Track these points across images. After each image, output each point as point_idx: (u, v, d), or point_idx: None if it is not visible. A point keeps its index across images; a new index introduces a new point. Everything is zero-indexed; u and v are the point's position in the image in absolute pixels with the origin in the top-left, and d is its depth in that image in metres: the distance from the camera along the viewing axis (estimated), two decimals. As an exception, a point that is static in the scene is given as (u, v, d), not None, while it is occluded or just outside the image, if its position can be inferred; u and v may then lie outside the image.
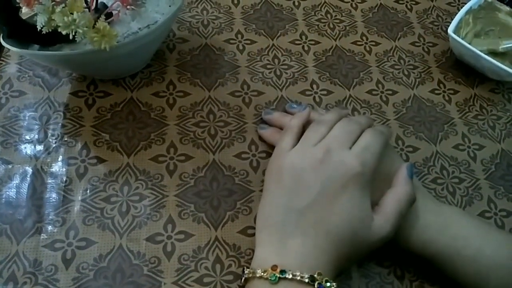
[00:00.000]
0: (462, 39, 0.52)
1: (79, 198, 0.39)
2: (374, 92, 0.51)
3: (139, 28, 0.41)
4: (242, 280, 0.34)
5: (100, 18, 0.35)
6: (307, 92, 0.50)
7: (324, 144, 0.37)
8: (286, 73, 0.51)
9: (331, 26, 0.57)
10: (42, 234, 0.37)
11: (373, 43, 0.56)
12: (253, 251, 0.36)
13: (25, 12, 0.40)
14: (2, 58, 0.47)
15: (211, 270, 0.37)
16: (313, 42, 0.54)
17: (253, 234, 0.38)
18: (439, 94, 0.53)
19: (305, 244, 0.33)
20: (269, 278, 0.31)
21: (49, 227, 0.38)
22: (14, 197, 0.39)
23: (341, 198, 0.34)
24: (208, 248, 0.38)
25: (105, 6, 0.42)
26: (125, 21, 0.42)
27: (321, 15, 0.58)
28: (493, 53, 0.53)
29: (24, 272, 0.35)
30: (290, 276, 0.31)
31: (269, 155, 0.44)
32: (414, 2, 0.62)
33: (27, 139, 0.42)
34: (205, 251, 0.38)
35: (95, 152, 0.42)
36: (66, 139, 0.42)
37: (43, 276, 0.35)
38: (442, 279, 0.39)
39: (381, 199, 0.37)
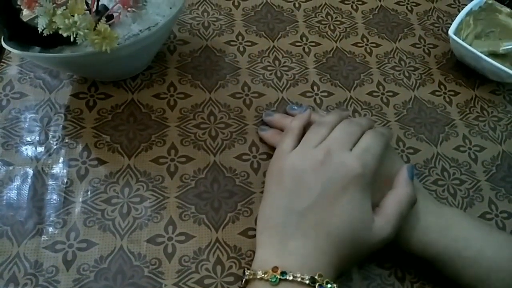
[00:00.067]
0: (463, 40, 0.52)
1: (80, 199, 0.39)
2: (374, 94, 0.51)
3: (140, 30, 0.41)
4: (243, 281, 0.34)
5: (101, 20, 0.35)
6: (308, 94, 0.50)
7: (324, 146, 0.37)
8: (287, 74, 0.51)
9: (332, 27, 0.57)
10: (43, 236, 0.37)
11: (374, 45, 0.56)
12: (254, 252, 0.36)
13: (26, 14, 0.40)
14: (3, 60, 0.47)
15: (211, 271, 0.37)
16: (313, 44, 0.54)
17: (254, 236, 0.38)
18: (439, 95, 0.53)
19: (306, 246, 0.33)
20: (270, 279, 0.31)
21: (50, 229, 0.38)
22: (15, 198, 0.39)
23: (342, 200, 0.34)
24: (208, 249, 0.38)
25: (106, 8, 0.42)
26: (126, 23, 0.42)
27: (321, 16, 0.58)
28: (494, 55, 0.53)
29: (25, 273, 0.35)
30: (291, 278, 0.31)
31: (269, 156, 0.44)
32: (414, 4, 0.62)
33: (28, 141, 0.42)
34: (205, 252, 0.38)
35: (96, 153, 0.42)
36: (67, 140, 0.42)
37: (44, 277, 0.35)
38: (443, 281, 0.39)
39: (382, 201, 0.37)
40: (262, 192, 0.41)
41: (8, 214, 0.38)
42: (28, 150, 0.41)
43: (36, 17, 0.35)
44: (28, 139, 0.42)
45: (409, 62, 0.55)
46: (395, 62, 0.55)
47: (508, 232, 0.44)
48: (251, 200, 0.41)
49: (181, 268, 0.37)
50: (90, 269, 0.36)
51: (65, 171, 0.41)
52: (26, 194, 0.39)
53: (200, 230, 0.39)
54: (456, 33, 0.53)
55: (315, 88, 0.50)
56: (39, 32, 0.35)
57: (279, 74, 0.51)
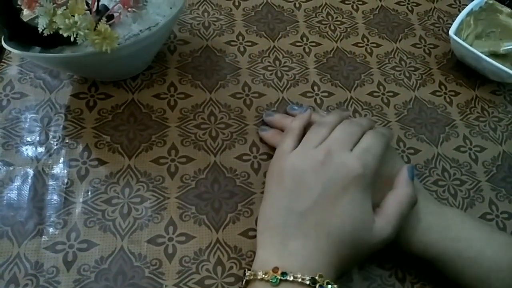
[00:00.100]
0: (463, 40, 0.52)
1: (80, 200, 0.39)
2: (375, 94, 0.51)
3: (140, 30, 0.41)
4: (243, 282, 0.34)
5: (101, 20, 0.35)
6: (308, 94, 0.50)
7: (325, 146, 0.37)
8: (287, 74, 0.51)
9: (332, 27, 0.57)
10: (43, 236, 0.37)
11: (374, 45, 0.56)
12: (254, 253, 0.36)
13: (26, 14, 0.40)
14: (3, 60, 0.47)
15: (212, 272, 0.37)
16: (314, 44, 0.54)
17: (254, 236, 0.38)
18: (440, 96, 0.53)
19: (306, 246, 0.33)
20: (270, 280, 0.31)
21: (50, 229, 0.38)
22: (15, 199, 0.39)
23: (342, 200, 0.34)
24: (209, 250, 0.38)
25: (106, 8, 0.42)
26: (126, 23, 0.42)
27: (322, 16, 0.58)
28: (494, 55, 0.53)
29: (26, 274, 0.35)
30: (291, 278, 0.31)
31: (270, 157, 0.44)
32: (415, 4, 0.62)
33: (28, 141, 0.42)
34: (206, 253, 0.38)
35: (96, 154, 0.42)
36: (67, 141, 0.42)
37: (45, 278, 0.35)
38: (443, 281, 0.39)
39: (382, 201, 0.37)
40: (262, 192, 0.41)
41: (8, 214, 0.38)
42: (29, 151, 0.41)
43: (37, 17, 0.35)
44: (29, 139, 0.42)
45: (410, 62, 0.55)
46: (395, 62, 0.55)
47: (508, 232, 0.44)
48: (251, 201, 0.41)
49: (182, 268, 0.37)
50: (91, 269, 0.36)
51: (65, 171, 0.41)
52: (27, 195, 0.39)
53: (201, 230, 0.39)
54: (457, 33, 0.53)
55: (315, 88, 0.50)
56: (40, 32, 0.35)
57: (279, 74, 0.51)
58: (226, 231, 0.40)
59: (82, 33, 0.34)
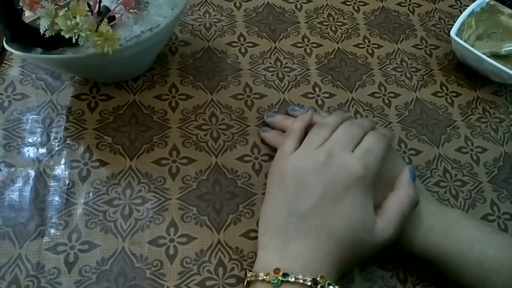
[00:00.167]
0: (465, 41, 0.52)
1: (82, 201, 0.39)
2: (376, 95, 0.51)
3: (142, 32, 0.41)
4: (245, 283, 0.34)
5: (103, 22, 0.35)
6: (310, 95, 0.50)
7: (326, 147, 0.37)
8: (289, 75, 0.51)
9: (333, 28, 0.57)
10: (44, 237, 0.37)
11: (375, 46, 0.56)
12: (256, 254, 0.36)
13: (28, 15, 0.40)
14: (5, 62, 0.47)
15: (213, 273, 0.37)
16: (315, 45, 0.54)
17: (256, 237, 0.38)
18: (441, 96, 0.53)
19: (308, 247, 0.33)
20: (272, 281, 0.31)
21: (52, 230, 0.38)
22: (17, 200, 0.39)
23: (344, 201, 0.34)
24: (210, 251, 0.38)
25: (107, 9, 0.42)
26: (128, 25, 0.42)
27: (323, 17, 0.58)
28: (496, 56, 0.53)
29: (27, 275, 0.35)
30: (293, 279, 0.31)
31: (271, 158, 0.44)
32: (416, 5, 0.62)
33: (30, 142, 0.42)
34: (207, 254, 0.38)
35: (97, 155, 0.42)
36: (68, 142, 0.42)
37: (46, 279, 0.35)
38: (445, 282, 0.39)
39: (384, 202, 0.37)
40: (263, 193, 0.41)
41: (10, 215, 0.38)
42: (30, 152, 0.41)
43: (38, 18, 0.35)
44: (30, 140, 0.42)
45: (411, 63, 0.55)
46: (396, 63, 0.55)
47: (510, 233, 0.44)
48: (252, 202, 0.41)
49: (183, 269, 0.37)
50: (92, 270, 0.36)
51: (67, 172, 0.41)
52: (28, 196, 0.39)
53: (202, 231, 0.39)
54: (458, 34, 0.53)
55: (316, 89, 0.50)
56: (41, 33, 0.35)
57: (280, 75, 0.51)
58: (228, 232, 0.40)
59: (83, 35, 0.34)
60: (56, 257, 0.36)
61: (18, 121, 0.43)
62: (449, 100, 0.53)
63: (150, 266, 0.37)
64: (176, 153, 0.43)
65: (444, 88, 0.54)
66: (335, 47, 0.55)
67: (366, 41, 0.56)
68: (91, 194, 0.40)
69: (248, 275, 0.33)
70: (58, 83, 0.46)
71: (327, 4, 0.59)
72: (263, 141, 0.45)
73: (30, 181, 0.40)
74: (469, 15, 0.55)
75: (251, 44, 0.53)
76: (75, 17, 0.34)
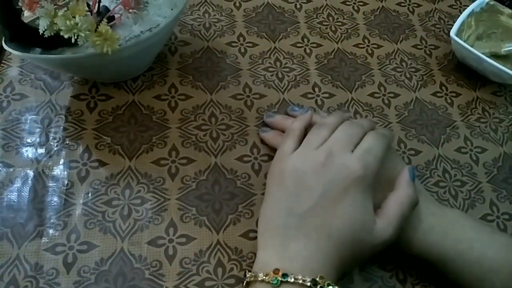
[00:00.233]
0: (464, 41, 0.52)
1: (81, 201, 0.39)
2: (376, 95, 0.51)
3: (141, 31, 0.41)
4: (244, 283, 0.34)
5: (102, 22, 0.35)
6: (309, 95, 0.50)
7: (326, 147, 0.37)
8: (288, 76, 0.51)
9: (333, 28, 0.57)
10: (43, 238, 0.37)
11: (375, 46, 0.56)
12: (255, 254, 0.36)
13: (27, 15, 0.40)
14: (3, 61, 0.47)
15: (212, 273, 0.37)
16: (315, 45, 0.54)
17: (255, 238, 0.38)
18: (441, 97, 0.53)
19: (307, 248, 0.33)
20: (271, 281, 0.31)
21: (51, 231, 0.37)
22: (15, 200, 0.39)
23: (343, 201, 0.34)
24: (209, 251, 0.38)
25: (107, 9, 0.42)
26: (127, 25, 0.42)
27: (323, 17, 0.58)
28: (495, 56, 0.53)
29: (25, 276, 0.35)
30: (292, 280, 0.31)
31: (271, 158, 0.44)
32: (416, 5, 0.62)
33: (29, 142, 0.42)
34: (206, 254, 0.38)
35: (96, 155, 0.42)
36: (67, 142, 0.42)
37: (44, 280, 0.35)
38: (444, 282, 0.39)
39: (383, 202, 0.37)
40: (263, 194, 0.41)
41: (8, 216, 0.38)
42: (29, 152, 0.41)
43: (37, 18, 0.35)
44: (29, 140, 0.42)
45: (411, 63, 0.55)
46: (396, 63, 0.55)
47: (509, 233, 0.44)
48: (252, 202, 0.41)
49: (182, 270, 0.37)
50: (91, 271, 0.36)
51: (65, 173, 0.41)
52: (27, 196, 0.39)
53: (201, 232, 0.39)
54: (458, 34, 0.53)
55: (316, 89, 0.50)
56: (40, 33, 0.35)
57: (280, 75, 0.51)
58: (227, 232, 0.39)
59: (83, 35, 0.34)
60: (55, 257, 0.36)
61: (17, 121, 0.43)
62: (449, 100, 0.53)
63: (149, 266, 0.37)
64: (176, 153, 0.43)
65: (443, 88, 0.54)
66: (335, 47, 0.55)
67: (366, 41, 0.56)
68: (90, 195, 0.40)
69: (247, 275, 0.33)
70: (57, 83, 0.46)
71: (326, 4, 0.59)
72: (262, 141, 0.45)
73: (29, 182, 0.40)
74: (469, 15, 0.55)
75: (250, 44, 0.53)
76: (75, 17, 0.34)
